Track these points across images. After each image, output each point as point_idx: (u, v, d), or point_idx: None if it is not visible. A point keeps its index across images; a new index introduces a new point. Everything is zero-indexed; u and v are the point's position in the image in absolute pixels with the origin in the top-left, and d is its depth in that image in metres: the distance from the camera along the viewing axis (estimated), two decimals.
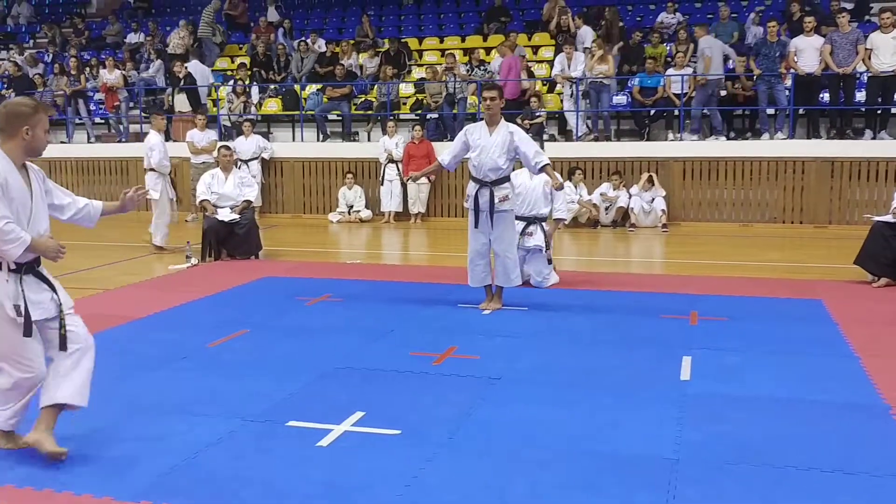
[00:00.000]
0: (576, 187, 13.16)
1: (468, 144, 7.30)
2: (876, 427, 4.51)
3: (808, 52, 13.20)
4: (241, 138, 14.90)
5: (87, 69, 17.95)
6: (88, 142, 17.34)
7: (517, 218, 8.10)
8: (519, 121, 13.74)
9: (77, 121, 17.52)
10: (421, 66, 16.93)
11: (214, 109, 16.29)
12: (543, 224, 8.49)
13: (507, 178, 7.31)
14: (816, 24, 13.49)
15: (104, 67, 17.13)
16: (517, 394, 5.14)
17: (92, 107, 17.87)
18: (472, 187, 7.35)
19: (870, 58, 12.85)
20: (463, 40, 17.87)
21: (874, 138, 13.16)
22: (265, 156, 15.08)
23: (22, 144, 3.92)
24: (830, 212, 13.09)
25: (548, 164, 7.13)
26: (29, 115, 3.92)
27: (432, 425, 4.57)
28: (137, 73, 17.76)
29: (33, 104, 3.98)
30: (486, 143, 7.18)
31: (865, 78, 13.27)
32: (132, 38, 19.87)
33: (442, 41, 18.14)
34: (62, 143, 17.28)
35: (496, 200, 7.19)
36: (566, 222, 8.74)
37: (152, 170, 11.26)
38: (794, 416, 4.66)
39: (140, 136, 16.62)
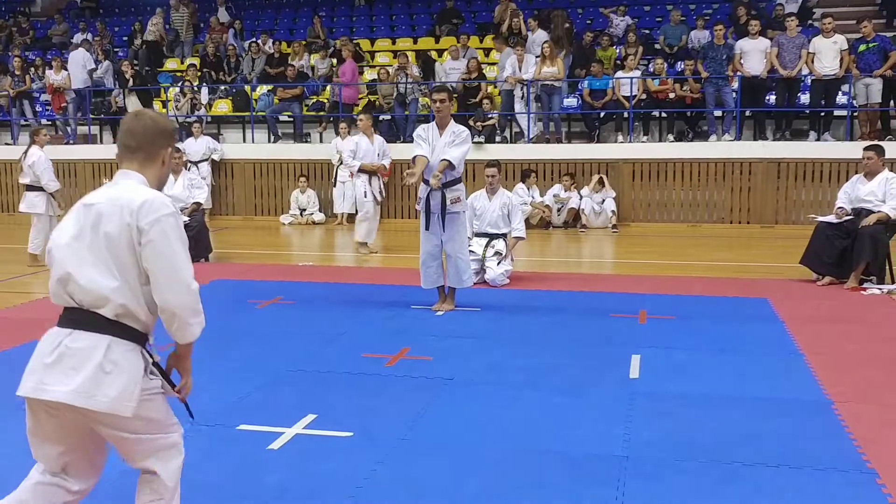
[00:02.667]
0: (528, 189, 13.25)
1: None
2: (819, 422, 4.61)
3: (753, 55, 13.46)
4: (190, 139, 14.73)
5: (33, 69, 17.60)
6: None
7: (479, 235, 8.66)
8: (471, 122, 13.81)
9: (22, 122, 17.16)
10: (373, 67, 16.91)
11: (164, 111, 16.07)
12: (504, 238, 8.78)
13: (458, 180, 7.33)
14: (762, 28, 13.76)
15: (50, 68, 16.81)
16: (470, 394, 5.16)
17: (38, 108, 17.52)
18: (423, 189, 7.35)
19: (812, 61, 13.14)
20: (415, 42, 17.89)
21: (818, 140, 13.45)
22: (215, 157, 14.94)
23: (159, 172, 2.92)
24: (777, 212, 13.35)
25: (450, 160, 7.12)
26: (172, 133, 2.99)
27: (385, 427, 4.56)
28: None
29: (174, 122, 3.17)
30: (436, 144, 7.19)
31: (809, 81, 13.56)
32: (78, 38, 19.53)
33: (394, 42, 18.13)
34: (7, 144, 16.92)
35: (448, 202, 7.21)
36: (524, 239, 8.99)
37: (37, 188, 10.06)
38: (741, 413, 4.75)
39: (88, 139, 16.42)
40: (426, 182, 7.30)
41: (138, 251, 2.69)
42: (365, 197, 10.87)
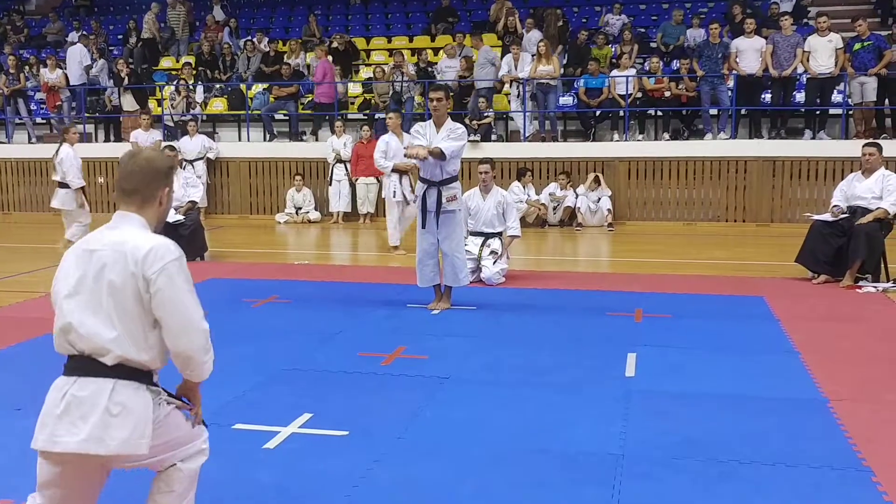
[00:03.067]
0: (524, 188, 13.25)
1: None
2: (815, 421, 4.62)
3: (748, 54, 13.47)
4: (185, 138, 14.71)
5: (27, 68, 17.55)
6: (29, 142, 16.95)
7: (474, 234, 8.65)
8: (467, 121, 13.80)
9: (17, 121, 17.11)
10: (369, 65, 16.89)
11: (159, 109, 16.04)
12: (500, 236, 8.78)
13: (454, 178, 7.33)
14: (757, 27, 13.77)
15: (45, 66, 16.76)
16: (466, 393, 5.15)
17: (33, 106, 17.47)
18: (419, 188, 7.36)
19: (808, 60, 13.15)
20: (411, 40, 17.87)
21: (813, 138, 13.47)
22: (211, 156, 14.91)
23: (157, 212, 2.92)
24: (772, 210, 13.36)
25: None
26: (168, 172, 2.94)
27: (381, 426, 4.55)
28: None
29: (171, 158, 3.11)
30: (433, 140, 7.19)
31: (804, 80, 13.57)
32: (73, 36, 19.49)
33: (390, 41, 18.11)
34: (1, 143, 16.87)
35: (444, 200, 7.20)
36: (520, 238, 8.98)
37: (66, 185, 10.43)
38: (737, 412, 4.75)
39: (83, 137, 16.36)
40: (423, 181, 7.31)
41: (146, 299, 2.71)
42: (394, 196, 10.76)
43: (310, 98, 16.08)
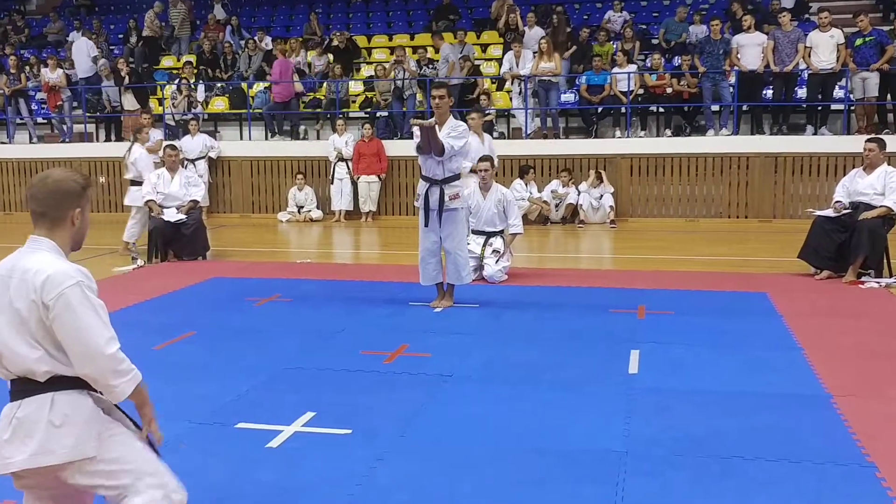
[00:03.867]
0: (526, 185, 13.24)
1: None
2: (818, 416, 4.61)
3: (750, 50, 13.44)
4: (187, 137, 14.70)
5: (28, 68, 17.55)
6: (31, 142, 16.95)
7: (476, 233, 8.62)
8: (469, 119, 13.77)
9: (18, 121, 17.12)
10: (370, 63, 16.88)
11: (160, 108, 16.04)
12: (502, 234, 8.76)
13: (457, 177, 7.32)
14: (756, 22, 13.74)
15: (45, 66, 16.76)
16: (468, 391, 5.15)
17: (34, 106, 17.48)
18: (422, 186, 7.35)
19: (809, 56, 13.13)
20: (412, 38, 17.84)
21: (815, 134, 13.45)
22: (212, 154, 14.89)
23: (70, 233, 2.85)
24: (774, 206, 13.34)
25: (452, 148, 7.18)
26: (80, 192, 2.84)
27: (383, 424, 4.55)
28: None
29: (83, 178, 2.90)
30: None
31: (806, 75, 13.55)
32: (74, 36, 19.49)
33: (391, 39, 18.09)
34: (2, 143, 16.88)
35: (446, 198, 7.20)
36: (522, 235, 8.96)
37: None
38: (740, 408, 4.74)
39: (84, 137, 16.39)
40: (425, 179, 7.30)
41: (48, 325, 2.69)
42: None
43: (311, 97, 16.08)
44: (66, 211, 2.80)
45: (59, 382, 2.73)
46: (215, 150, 15.00)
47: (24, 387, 2.74)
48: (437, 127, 7.19)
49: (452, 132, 7.15)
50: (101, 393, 2.79)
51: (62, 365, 2.72)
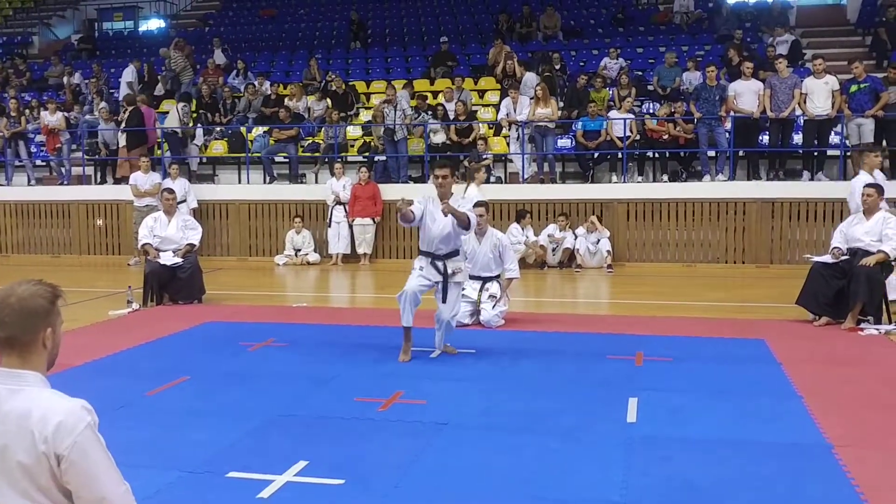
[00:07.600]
0: (523, 229, 13.25)
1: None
2: (819, 466, 4.54)
3: (747, 96, 13.54)
4: (167, 180, 14.52)
5: (28, 111, 17.65)
6: (29, 184, 16.98)
7: (472, 278, 8.51)
8: (466, 163, 13.84)
9: (17, 163, 17.15)
10: (368, 108, 16.97)
11: (158, 152, 16.08)
12: (498, 279, 8.72)
13: (457, 252, 7.27)
14: (754, 69, 13.87)
15: (45, 109, 16.85)
16: (464, 439, 5.07)
17: (33, 149, 17.54)
18: (418, 261, 7.23)
19: (805, 102, 13.23)
20: (410, 84, 17.95)
21: (812, 179, 13.50)
22: (190, 202, 14.48)
23: (43, 356, 2.53)
24: (772, 252, 13.34)
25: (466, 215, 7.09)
26: (49, 308, 2.54)
27: (378, 473, 4.47)
28: (82, 115, 17.54)
29: (50, 290, 2.55)
30: (437, 215, 7.08)
31: (802, 121, 13.63)
32: (76, 78, 19.64)
33: (389, 84, 18.19)
34: (0, 185, 16.89)
35: (449, 272, 7.15)
36: (519, 279, 8.92)
37: None
38: (740, 457, 4.67)
39: (82, 179, 16.40)
40: (424, 254, 7.22)
41: (58, 473, 2.44)
42: None
43: (310, 140, 16.14)
44: (35, 334, 2.48)
45: None
46: (191, 196, 14.60)
47: None
48: (440, 202, 7.03)
49: (462, 207, 7.10)
50: None
51: None
